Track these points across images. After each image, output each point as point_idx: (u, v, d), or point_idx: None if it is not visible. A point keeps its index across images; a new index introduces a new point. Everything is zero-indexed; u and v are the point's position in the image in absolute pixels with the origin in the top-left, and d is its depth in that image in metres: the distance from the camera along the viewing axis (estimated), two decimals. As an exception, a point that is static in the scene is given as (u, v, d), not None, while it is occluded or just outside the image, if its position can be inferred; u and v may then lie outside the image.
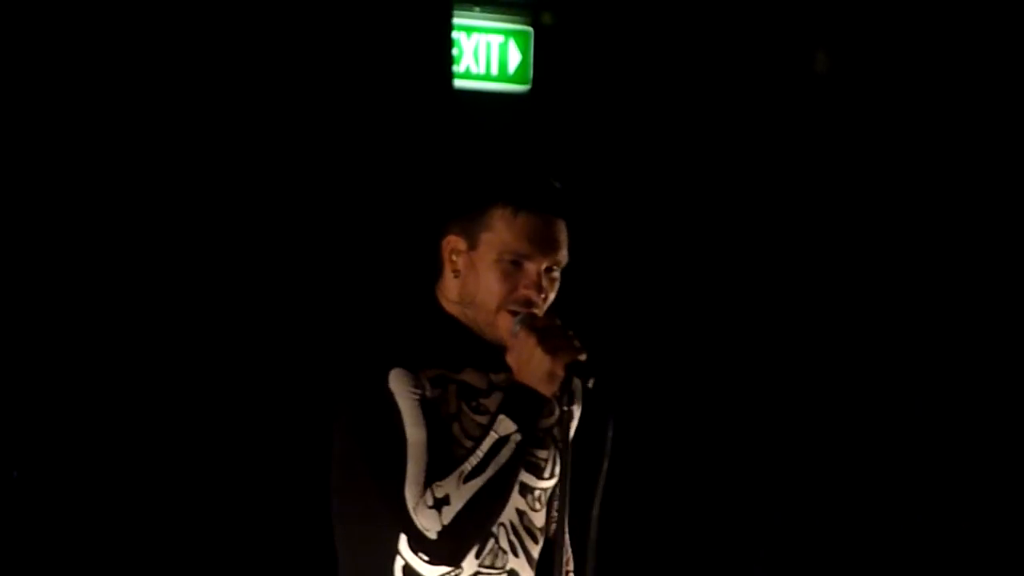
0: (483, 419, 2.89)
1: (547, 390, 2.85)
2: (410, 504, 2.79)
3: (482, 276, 2.92)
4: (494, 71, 6.61)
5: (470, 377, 2.94)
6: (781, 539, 6.53)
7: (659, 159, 6.65)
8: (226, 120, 5.58)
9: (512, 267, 2.91)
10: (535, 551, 2.98)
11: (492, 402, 2.91)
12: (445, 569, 2.86)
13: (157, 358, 5.52)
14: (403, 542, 2.87)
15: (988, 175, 6.66)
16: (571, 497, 2.85)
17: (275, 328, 5.61)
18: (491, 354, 2.95)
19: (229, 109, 5.58)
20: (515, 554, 2.95)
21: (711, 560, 6.47)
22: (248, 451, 5.57)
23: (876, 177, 6.78)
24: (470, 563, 2.88)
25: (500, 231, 2.91)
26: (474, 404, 2.93)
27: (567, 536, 2.97)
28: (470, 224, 2.93)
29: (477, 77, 6.59)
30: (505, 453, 2.82)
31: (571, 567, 3.04)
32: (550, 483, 3.01)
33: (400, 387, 2.83)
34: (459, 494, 2.79)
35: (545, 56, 6.63)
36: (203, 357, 5.56)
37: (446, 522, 2.79)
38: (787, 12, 6.73)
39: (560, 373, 2.83)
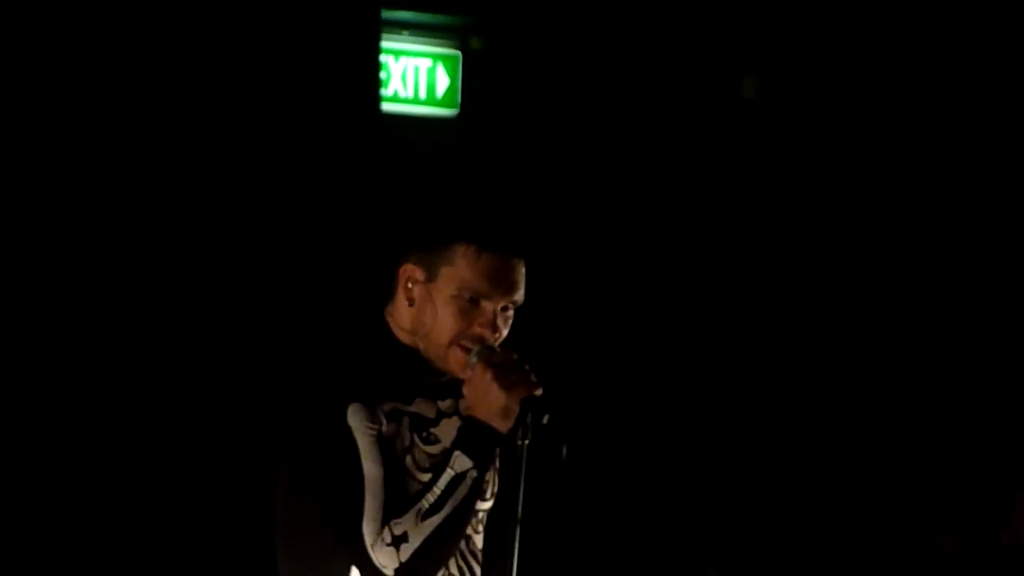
0: (434, 449, 2.90)
1: (503, 426, 2.84)
2: (368, 541, 2.78)
3: (439, 309, 2.92)
4: (422, 95, 6.59)
5: (420, 407, 2.94)
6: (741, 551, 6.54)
7: (587, 183, 6.64)
8: (153, 144, 5.52)
9: (469, 304, 2.92)
10: (479, 573, 2.99)
11: (441, 430, 2.92)
12: None
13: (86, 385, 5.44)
14: None
15: (917, 195, 6.71)
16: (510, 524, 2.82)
17: (209, 358, 5.54)
18: (439, 383, 2.95)
19: (155, 133, 5.52)
20: None
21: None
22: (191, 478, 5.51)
23: (806, 199, 6.81)
24: None
25: (461, 267, 2.91)
26: (424, 435, 2.92)
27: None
28: (431, 256, 2.93)
29: (405, 101, 6.57)
30: (462, 490, 2.82)
31: None
32: (490, 503, 3.02)
33: (358, 423, 2.82)
34: (417, 531, 2.79)
35: (473, 80, 6.61)
36: (142, 382, 5.49)
37: (404, 559, 2.79)
38: (716, 37, 6.75)
39: (515, 409, 2.82)
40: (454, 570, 2.94)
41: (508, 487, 2.86)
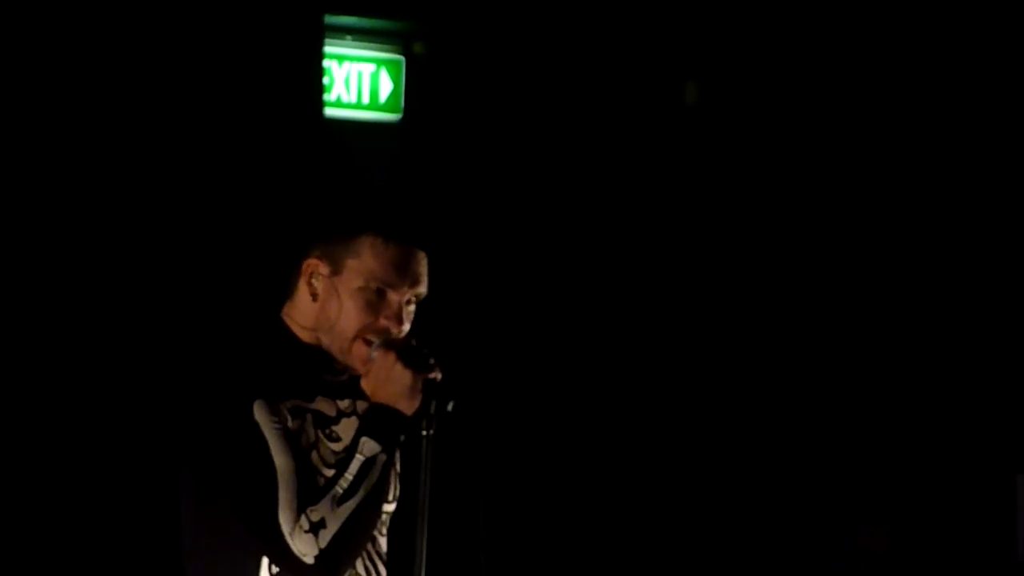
0: (337, 446, 2.93)
1: (408, 407, 2.88)
2: (286, 530, 2.80)
3: (344, 302, 2.94)
4: (365, 100, 6.59)
5: (321, 405, 2.96)
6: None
7: (531, 188, 6.68)
8: (86, 143, 5.52)
9: (376, 296, 2.94)
10: (384, 575, 3.02)
11: (342, 428, 2.95)
12: None
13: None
14: (263, 573, 2.87)
15: (861, 199, 6.76)
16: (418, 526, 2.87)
17: (116, 348, 5.52)
18: (338, 382, 2.99)
19: (89, 132, 5.52)
20: None
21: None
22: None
23: (748, 203, 6.86)
24: None
25: (367, 259, 2.93)
26: (327, 432, 2.95)
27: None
28: (335, 249, 2.95)
29: (348, 106, 6.57)
30: (374, 474, 2.85)
31: None
32: (393, 506, 3.05)
33: (264, 418, 2.84)
34: (334, 516, 2.81)
35: (417, 85, 6.63)
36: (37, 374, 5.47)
37: (323, 545, 2.80)
38: (659, 43, 6.79)
39: (419, 389, 2.87)
40: (360, 570, 2.96)
41: (411, 486, 2.91)
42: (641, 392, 6.68)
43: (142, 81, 5.55)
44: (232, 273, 5.47)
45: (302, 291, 2.98)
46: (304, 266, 2.97)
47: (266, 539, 2.83)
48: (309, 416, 2.92)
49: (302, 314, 2.98)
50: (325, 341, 2.96)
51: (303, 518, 2.80)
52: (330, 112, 6.42)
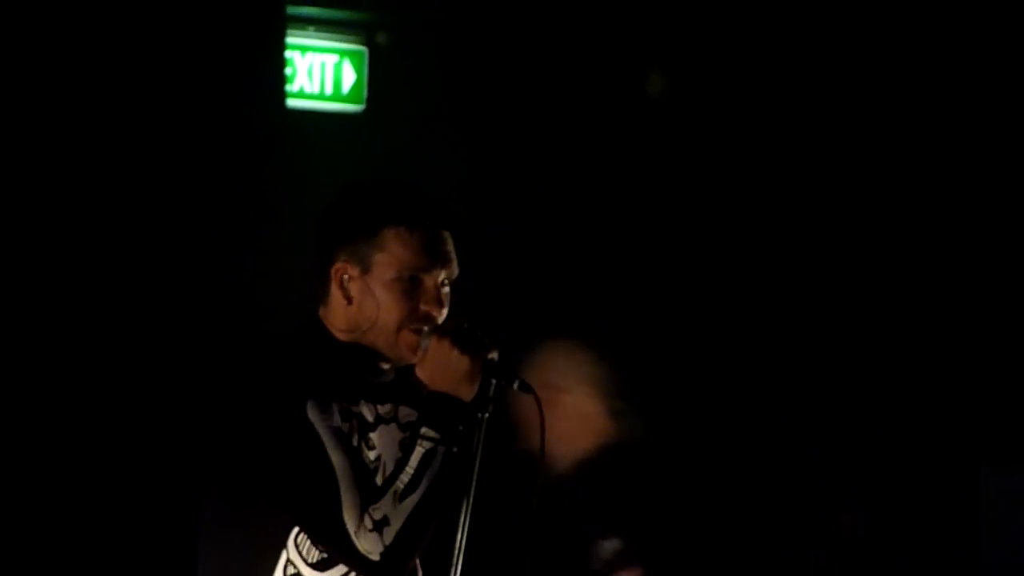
0: (372, 454, 2.92)
1: (468, 393, 2.89)
2: (351, 529, 2.81)
3: (380, 298, 2.95)
4: (328, 90, 6.58)
5: (363, 410, 2.96)
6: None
7: (494, 178, 6.67)
8: (49, 134, 5.48)
9: (410, 284, 2.96)
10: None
11: (377, 436, 2.95)
12: None
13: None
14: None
15: (823, 191, 6.78)
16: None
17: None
18: (381, 383, 2.99)
19: (53, 123, 5.48)
20: None
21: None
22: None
23: (710, 195, 6.87)
24: None
25: (395, 250, 2.95)
26: (366, 439, 2.95)
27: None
28: (360, 249, 2.97)
29: (311, 96, 6.55)
30: (436, 465, 2.85)
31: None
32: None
33: (317, 417, 2.85)
34: (397, 513, 2.81)
35: (380, 76, 6.61)
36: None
37: (388, 542, 2.81)
38: (622, 33, 6.79)
39: (478, 372, 2.88)
40: None
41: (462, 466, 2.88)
42: (620, 374, 6.68)
43: (104, 74, 5.51)
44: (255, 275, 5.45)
45: (335, 295, 2.99)
46: (333, 272, 2.98)
47: (331, 540, 2.83)
48: (355, 421, 2.93)
49: (339, 317, 2.99)
50: (369, 338, 2.97)
51: (367, 517, 2.80)
52: (293, 103, 6.40)
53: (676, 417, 6.68)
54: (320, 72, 6.56)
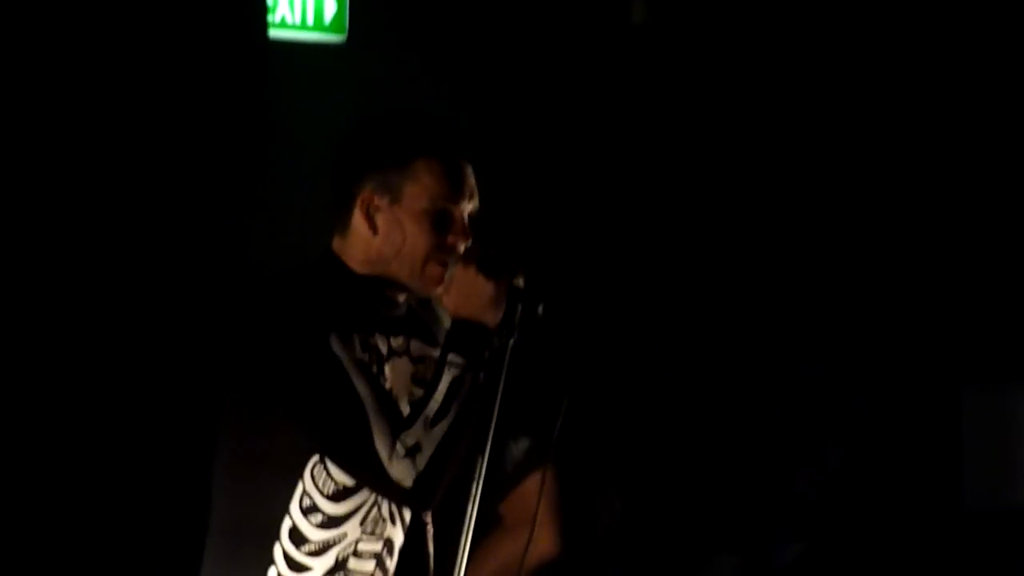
0: (386, 386, 2.91)
1: (493, 318, 2.89)
2: (384, 456, 2.80)
3: (408, 228, 2.94)
4: (310, 21, 6.55)
5: (378, 341, 2.96)
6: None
7: (478, 109, 6.66)
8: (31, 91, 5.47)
9: (441, 215, 2.95)
10: (407, 518, 3.02)
11: (390, 368, 2.94)
12: (330, 533, 2.89)
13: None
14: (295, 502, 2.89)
15: (808, 128, 6.80)
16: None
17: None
18: (395, 316, 2.99)
19: (41, 74, 5.47)
20: (392, 522, 2.99)
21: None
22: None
23: (696, 126, 6.88)
24: (354, 529, 2.91)
25: (427, 180, 2.94)
26: (381, 371, 2.94)
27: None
28: (389, 178, 2.94)
29: (292, 27, 6.52)
30: (464, 392, 2.85)
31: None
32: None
33: (342, 350, 2.84)
34: (428, 439, 2.81)
35: (361, 6, 6.59)
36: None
37: (420, 469, 2.81)
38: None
39: (503, 296, 2.88)
40: (385, 512, 2.96)
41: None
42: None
43: (85, 13, 5.49)
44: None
45: (358, 225, 2.96)
46: (359, 202, 2.95)
47: (364, 469, 2.83)
48: (372, 353, 2.92)
49: (359, 248, 2.97)
50: (392, 270, 2.96)
51: (398, 444, 2.80)
52: (274, 33, 6.37)
53: (660, 338, 6.71)
54: (302, 2, 6.53)
